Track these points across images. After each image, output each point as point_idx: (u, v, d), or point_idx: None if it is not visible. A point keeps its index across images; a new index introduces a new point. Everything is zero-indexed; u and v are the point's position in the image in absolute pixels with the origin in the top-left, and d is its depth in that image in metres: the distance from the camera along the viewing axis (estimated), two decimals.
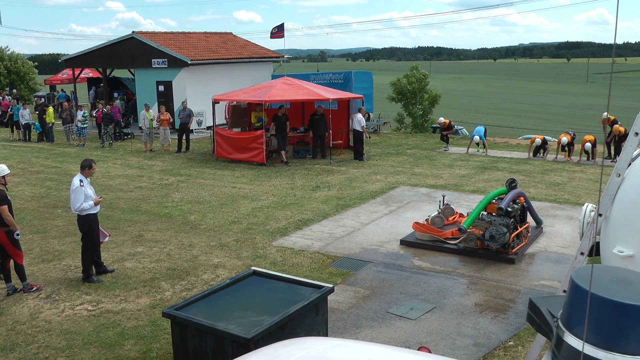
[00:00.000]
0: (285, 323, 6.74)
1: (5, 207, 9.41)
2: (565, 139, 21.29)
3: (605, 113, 22.25)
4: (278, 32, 34.05)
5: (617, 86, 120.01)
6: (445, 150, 24.07)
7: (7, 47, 50.98)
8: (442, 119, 25.17)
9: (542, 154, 22.25)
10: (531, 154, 22.40)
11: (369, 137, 23.45)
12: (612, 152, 21.19)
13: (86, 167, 10.30)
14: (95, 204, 10.31)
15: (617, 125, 20.75)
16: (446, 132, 24.67)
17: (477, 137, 23.19)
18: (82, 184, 10.09)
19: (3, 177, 9.63)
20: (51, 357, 7.84)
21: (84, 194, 10.08)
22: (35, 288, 9.88)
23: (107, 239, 10.84)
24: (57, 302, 9.62)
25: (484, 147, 23.45)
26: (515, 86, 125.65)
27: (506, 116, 65.75)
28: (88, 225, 10.33)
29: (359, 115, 21.85)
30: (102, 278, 10.50)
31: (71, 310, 9.28)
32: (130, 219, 14.43)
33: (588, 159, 21.17)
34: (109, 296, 9.79)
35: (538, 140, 22.18)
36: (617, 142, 20.74)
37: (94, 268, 10.58)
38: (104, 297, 9.77)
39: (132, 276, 10.64)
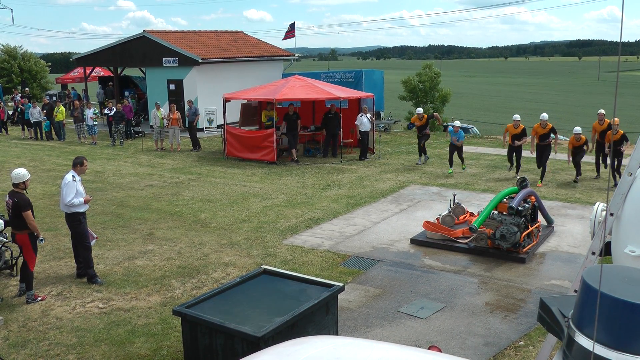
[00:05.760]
0: (296, 322, 6.75)
1: (29, 212, 9.39)
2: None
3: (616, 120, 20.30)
4: (290, 31, 34.07)
5: (629, 84, 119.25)
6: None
7: (21, 46, 51.29)
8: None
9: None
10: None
11: (380, 135, 23.43)
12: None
13: (78, 164, 10.29)
14: (85, 202, 10.27)
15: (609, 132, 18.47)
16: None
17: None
18: (74, 179, 10.10)
19: (23, 182, 9.58)
20: (62, 353, 7.89)
21: (75, 189, 10.07)
22: (38, 299, 9.65)
23: (94, 241, 10.72)
24: (68, 299, 9.67)
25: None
26: (526, 83, 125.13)
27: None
28: (79, 223, 10.28)
29: (364, 118, 21.51)
30: (107, 278, 10.53)
31: (82, 308, 9.33)
32: (141, 217, 14.49)
33: None
34: (119, 294, 9.84)
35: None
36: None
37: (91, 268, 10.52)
38: (115, 294, 9.82)
39: (142, 274, 10.69)
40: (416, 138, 21.30)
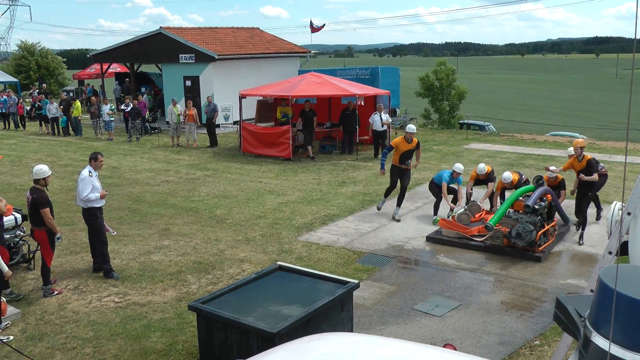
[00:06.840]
0: (311, 318, 6.76)
1: (47, 209, 9.44)
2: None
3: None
4: (317, 27, 33.97)
5: None
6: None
7: (39, 42, 51.76)
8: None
9: None
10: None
11: (396, 133, 23.35)
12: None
13: (92, 159, 10.34)
14: (102, 196, 10.32)
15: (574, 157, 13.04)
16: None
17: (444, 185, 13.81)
18: (90, 174, 10.15)
19: (44, 178, 9.63)
20: (79, 347, 7.96)
21: (91, 185, 10.12)
22: (56, 293, 9.75)
23: (114, 233, 10.81)
24: (84, 293, 9.75)
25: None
26: (543, 80, 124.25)
27: (534, 112, 65.05)
28: (95, 218, 10.33)
29: (376, 117, 21.41)
30: (123, 273, 10.59)
31: (98, 302, 9.40)
32: (157, 212, 14.57)
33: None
34: (135, 288, 9.91)
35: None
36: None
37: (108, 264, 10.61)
38: (131, 289, 9.88)
39: (158, 269, 10.75)
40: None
